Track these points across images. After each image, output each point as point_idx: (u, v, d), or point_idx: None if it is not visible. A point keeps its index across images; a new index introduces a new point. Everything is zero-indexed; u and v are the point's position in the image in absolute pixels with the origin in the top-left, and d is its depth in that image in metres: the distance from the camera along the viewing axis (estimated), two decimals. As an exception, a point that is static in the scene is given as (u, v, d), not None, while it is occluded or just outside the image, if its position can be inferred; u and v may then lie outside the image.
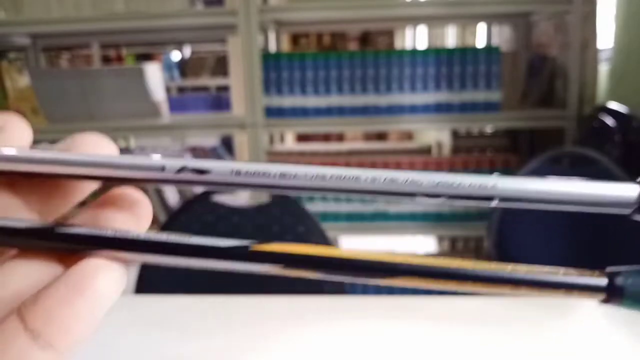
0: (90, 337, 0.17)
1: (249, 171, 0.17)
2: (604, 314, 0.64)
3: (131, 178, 0.18)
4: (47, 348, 0.16)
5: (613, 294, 0.17)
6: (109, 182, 0.19)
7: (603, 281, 0.17)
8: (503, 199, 0.17)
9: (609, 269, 0.17)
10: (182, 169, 0.17)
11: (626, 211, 0.17)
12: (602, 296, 0.17)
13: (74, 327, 0.16)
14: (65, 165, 0.18)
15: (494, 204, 0.17)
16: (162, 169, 0.18)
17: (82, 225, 0.18)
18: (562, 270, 0.17)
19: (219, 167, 0.17)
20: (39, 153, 0.18)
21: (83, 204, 0.20)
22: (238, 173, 0.17)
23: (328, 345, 0.58)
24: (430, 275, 0.17)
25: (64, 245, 0.17)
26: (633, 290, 0.17)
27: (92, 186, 0.19)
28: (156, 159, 0.18)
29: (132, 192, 0.19)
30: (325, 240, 0.92)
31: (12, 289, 0.17)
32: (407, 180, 0.17)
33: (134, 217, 0.19)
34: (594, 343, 0.58)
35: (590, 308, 0.67)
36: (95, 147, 0.19)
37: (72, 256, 0.17)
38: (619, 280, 0.17)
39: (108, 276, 0.17)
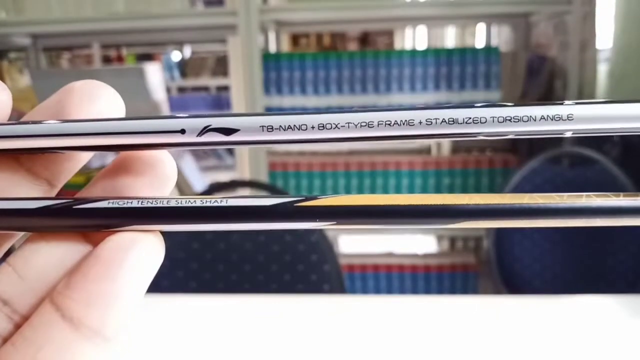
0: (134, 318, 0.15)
1: (282, 125, 0.15)
2: (604, 313, 0.65)
3: (145, 144, 0.16)
4: (93, 337, 0.14)
5: None
6: (120, 151, 0.16)
7: None
8: (580, 130, 0.15)
9: None
10: (205, 130, 0.15)
11: None
12: None
13: (117, 307, 0.14)
14: (59, 137, 0.15)
15: (568, 134, 0.15)
16: (183, 131, 0.15)
17: (103, 196, 0.16)
18: (611, 195, 0.15)
19: (248, 123, 0.15)
20: (24, 126, 0.16)
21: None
22: (270, 129, 0.15)
23: (328, 345, 0.58)
24: (499, 214, 0.15)
25: (89, 222, 0.15)
26: None
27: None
28: (174, 120, 0.15)
29: (149, 152, 0.17)
30: (325, 239, 0.92)
31: (38, 275, 0.15)
32: (467, 119, 0.15)
33: (157, 179, 0.17)
34: (595, 342, 0.58)
35: (590, 307, 0.67)
36: (93, 100, 0.16)
37: (99, 233, 0.15)
38: None
39: (144, 247, 0.15)
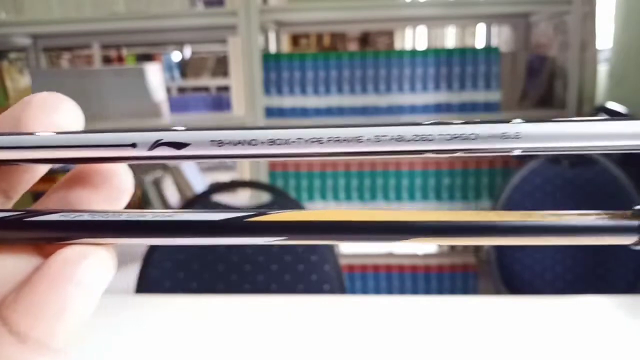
0: (86, 330, 0.15)
1: (233, 140, 0.15)
2: (604, 313, 0.65)
3: (97, 158, 0.16)
4: (40, 350, 0.14)
5: None
6: (71, 164, 0.16)
7: (635, 223, 0.15)
8: (527, 148, 0.15)
9: None
10: (156, 144, 0.15)
11: None
12: (635, 238, 0.15)
13: (64, 321, 0.14)
14: (12, 150, 0.15)
15: (517, 152, 0.15)
16: (134, 145, 0.15)
17: (56, 208, 0.16)
18: (592, 213, 0.15)
19: (198, 138, 0.15)
20: None
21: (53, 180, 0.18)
22: (220, 143, 0.15)
23: (328, 345, 0.58)
24: (452, 232, 0.15)
25: (41, 234, 0.15)
26: None
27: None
28: (125, 134, 0.15)
29: (105, 164, 0.16)
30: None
31: None
32: (415, 136, 0.15)
33: (112, 193, 0.16)
34: (595, 342, 0.58)
35: (590, 307, 0.67)
36: (51, 112, 0.16)
37: (50, 245, 0.15)
38: None
39: (94, 262, 0.15)
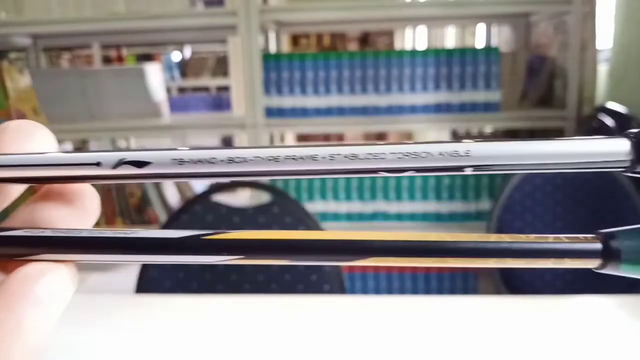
0: (47, 345, 0.15)
1: (192, 159, 0.16)
2: (604, 313, 0.65)
3: (63, 177, 0.16)
4: None
5: (609, 259, 0.15)
6: (38, 183, 0.16)
7: (597, 245, 0.15)
8: (478, 166, 0.15)
9: (603, 231, 0.15)
10: (119, 163, 0.16)
11: (619, 168, 0.15)
12: (597, 262, 0.15)
13: (22, 340, 0.14)
14: None
15: (468, 171, 0.15)
16: (98, 164, 0.16)
17: (22, 226, 0.16)
18: (550, 236, 0.15)
19: (159, 157, 0.16)
20: None
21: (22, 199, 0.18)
22: (181, 162, 0.16)
23: (328, 345, 0.58)
24: (406, 252, 0.15)
25: (4, 251, 0.16)
26: (632, 252, 0.15)
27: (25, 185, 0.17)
28: (90, 153, 0.16)
29: (73, 184, 0.17)
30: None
31: None
32: (368, 155, 0.15)
33: (77, 211, 0.17)
34: (595, 342, 0.58)
35: (590, 307, 0.67)
36: (26, 138, 0.16)
37: (12, 262, 0.15)
38: (615, 243, 0.15)
39: (52, 280, 0.15)
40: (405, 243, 0.15)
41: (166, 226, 0.96)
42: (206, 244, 0.16)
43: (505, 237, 0.15)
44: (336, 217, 1.45)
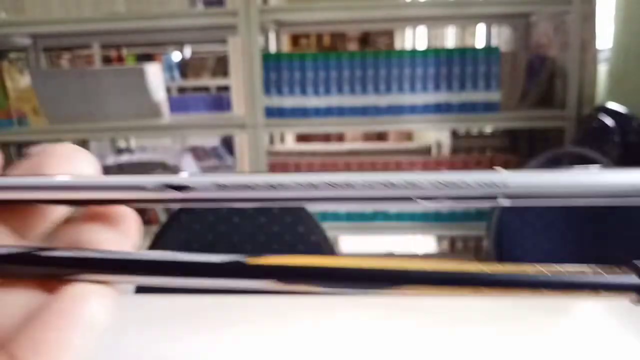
0: None
1: (234, 184, 0.16)
2: (604, 312, 0.65)
3: (110, 200, 0.17)
4: None
5: None
6: (85, 205, 0.17)
7: (632, 278, 0.15)
8: (514, 196, 0.15)
9: (638, 262, 0.15)
10: (164, 187, 0.16)
11: None
12: (633, 296, 0.15)
13: (65, 356, 0.15)
14: (34, 191, 0.16)
15: (505, 203, 0.15)
16: (144, 188, 0.16)
17: (65, 246, 0.17)
18: (587, 268, 0.15)
19: (201, 182, 0.16)
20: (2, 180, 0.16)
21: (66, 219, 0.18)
22: (223, 187, 0.16)
23: (328, 345, 0.58)
24: (443, 282, 0.15)
25: (47, 270, 0.16)
26: None
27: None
28: (137, 177, 0.16)
29: (116, 207, 0.17)
30: (326, 240, 0.92)
31: None
32: (405, 183, 0.15)
33: (120, 234, 0.17)
34: (595, 342, 0.58)
35: (590, 308, 0.67)
36: (70, 161, 0.17)
37: (56, 282, 0.16)
38: None
39: (98, 301, 0.16)
40: (442, 274, 0.15)
41: (166, 226, 0.96)
42: (248, 269, 0.16)
43: (542, 269, 0.15)
44: (336, 217, 1.45)
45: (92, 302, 0.15)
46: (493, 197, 0.15)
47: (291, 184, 0.16)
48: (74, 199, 0.16)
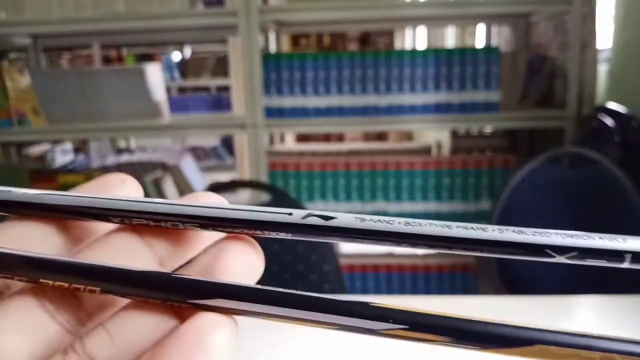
0: None
1: (373, 218, 0.17)
2: (604, 313, 0.65)
3: (259, 224, 0.17)
4: None
5: None
6: (235, 231, 0.18)
7: None
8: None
9: None
10: (307, 215, 0.17)
11: None
12: None
13: None
14: (190, 218, 0.17)
15: (625, 264, 0.16)
16: (290, 214, 0.17)
17: (198, 272, 0.17)
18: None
19: (343, 216, 0.17)
20: (160, 204, 0.17)
21: None
22: (362, 220, 0.17)
23: (328, 345, 0.58)
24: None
25: (179, 296, 0.16)
26: None
27: (219, 234, 0.18)
28: (280, 209, 0.17)
29: (247, 241, 0.18)
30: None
31: (128, 342, 0.16)
32: (535, 234, 0.17)
33: (249, 267, 0.18)
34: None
35: (590, 308, 0.67)
36: (122, 188, 0.19)
37: (184, 309, 0.16)
38: None
39: (224, 332, 0.16)
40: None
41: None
42: (373, 312, 0.16)
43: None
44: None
45: (218, 333, 0.16)
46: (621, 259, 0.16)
47: (426, 224, 0.17)
48: (222, 224, 0.17)
